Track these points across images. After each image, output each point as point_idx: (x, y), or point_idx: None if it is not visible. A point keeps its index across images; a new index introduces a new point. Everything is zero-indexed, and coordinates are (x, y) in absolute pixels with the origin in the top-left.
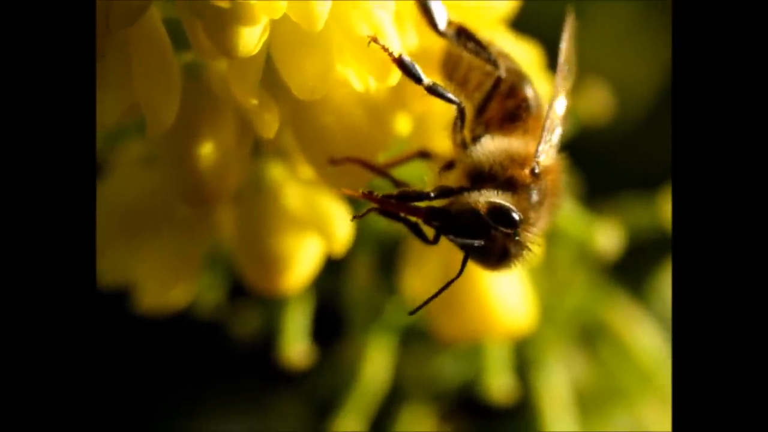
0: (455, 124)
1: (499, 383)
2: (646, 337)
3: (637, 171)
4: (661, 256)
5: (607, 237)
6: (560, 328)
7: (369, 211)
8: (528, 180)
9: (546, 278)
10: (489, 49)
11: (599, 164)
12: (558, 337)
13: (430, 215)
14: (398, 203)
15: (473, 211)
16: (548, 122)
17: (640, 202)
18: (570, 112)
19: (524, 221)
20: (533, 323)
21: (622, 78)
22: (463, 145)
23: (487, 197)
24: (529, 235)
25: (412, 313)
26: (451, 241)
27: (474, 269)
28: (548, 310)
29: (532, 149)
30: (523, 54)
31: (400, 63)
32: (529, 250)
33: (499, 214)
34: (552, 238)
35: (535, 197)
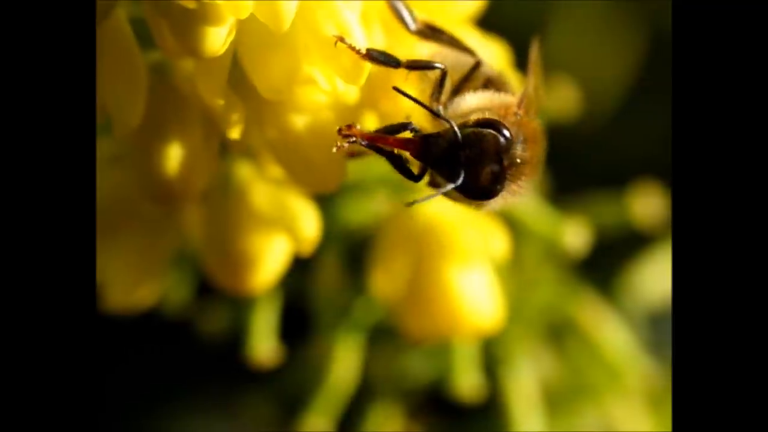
0: (434, 90)
1: (467, 381)
2: (614, 335)
3: (605, 168)
4: (629, 253)
5: (575, 234)
6: (528, 325)
7: (351, 143)
8: (513, 119)
9: (514, 276)
10: (469, 50)
11: (567, 161)
12: (526, 335)
13: (422, 144)
14: (384, 135)
15: (464, 126)
16: (526, 90)
17: (608, 199)
18: (540, 109)
19: (513, 140)
20: (501, 321)
21: (590, 75)
22: (438, 112)
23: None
24: (517, 165)
25: (408, 204)
26: (439, 170)
27: (441, 268)
28: (516, 307)
29: (513, 102)
30: (490, 52)
31: (370, 57)
32: (519, 182)
33: (490, 124)
34: (519, 235)
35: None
